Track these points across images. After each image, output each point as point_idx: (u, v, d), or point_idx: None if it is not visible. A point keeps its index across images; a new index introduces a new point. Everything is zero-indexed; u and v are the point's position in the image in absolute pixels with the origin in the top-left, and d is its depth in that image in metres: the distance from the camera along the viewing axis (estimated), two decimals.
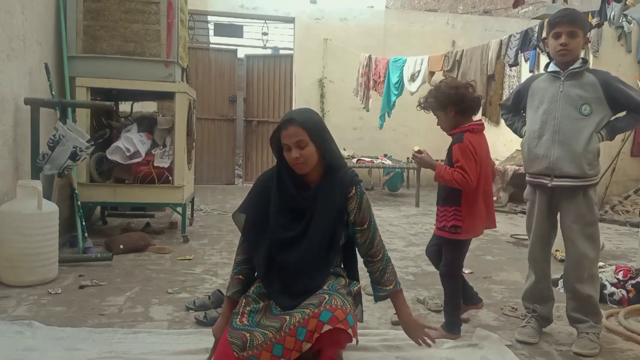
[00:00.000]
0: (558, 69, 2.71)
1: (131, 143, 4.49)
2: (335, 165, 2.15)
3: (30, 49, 3.97)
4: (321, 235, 2.09)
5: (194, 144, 5.25)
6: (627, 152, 7.10)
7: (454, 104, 2.63)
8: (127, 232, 4.57)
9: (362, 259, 2.25)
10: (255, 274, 2.22)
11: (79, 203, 4.11)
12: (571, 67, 2.66)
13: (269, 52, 10.63)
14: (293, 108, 9.75)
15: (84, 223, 4.07)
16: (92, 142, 3.85)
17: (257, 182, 2.25)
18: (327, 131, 2.19)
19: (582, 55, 2.77)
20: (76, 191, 4.15)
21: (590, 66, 6.37)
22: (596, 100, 2.63)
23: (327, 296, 1.97)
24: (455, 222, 2.61)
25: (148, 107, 6.29)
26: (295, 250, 2.08)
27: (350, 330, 1.88)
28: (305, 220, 2.11)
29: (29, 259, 3.20)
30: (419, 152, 2.67)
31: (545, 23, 4.71)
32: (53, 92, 4.07)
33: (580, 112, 2.64)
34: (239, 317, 2.04)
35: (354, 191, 2.14)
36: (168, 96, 4.86)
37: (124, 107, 5.60)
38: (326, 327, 1.85)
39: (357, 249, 2.26)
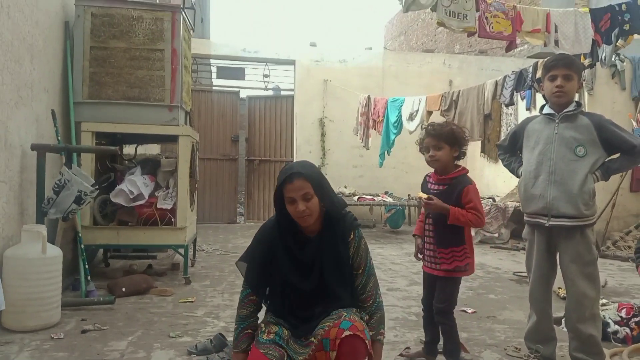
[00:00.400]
0: (553, 112, 2.80)
1: (134, 186, 4.56)
2: (335, 213, 2.17)
3: (37, 96, 4.09)
4: (337, 284, 2.14)
5: (196, 185, 5.32)
6: (627, 187, 7.15)
7: (460, 145, 2.74)
8: (129, 274, 4.58)
9: None
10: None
11: (82, 246, 4.15)
12: (566, 110, 2.75)
13: (270, 93, 10.85)
14: (295, 147, 9.89)
15: (86, 266, 4.09)
16: (97, 186, 3.91)
17: (260, 233, 2.25)
18: (326, 181, 2.21)
19: (576, 98, 2.86)
20: (80, 234, 4.19)
21: (586, 104, 6.50)
22: (590, 142, 2.70)
23: (344, 313, 2.06)
24: (467, 260, 2.70)
25: (152, 149, 6.40)
26: (318, 303, 2.12)
27: (367, 342, 1.99)
28: (316, 272, 2.13)
29: (32, 303, 3.21)
30: (430, 199, 2.69)
31: (541, 66, 4.84)
32: (59, 138, 4.17)
33: (575, 153, 2.71)
34: (265, 334, 2.10)
35: (352, 236, 2.18)
36: (171, 139, 4.96)
37: (129, 149, 5.71)
38: (346, 333, 1.96)
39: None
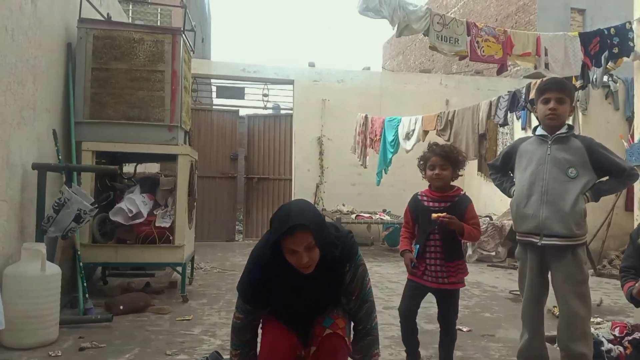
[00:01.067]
0: (546, 133, 2.87)
1: (133, 204, 4.61)
2: (331, 254, 2.08)
3: (39, 116, 4.17)
4: (334, 297, 2.20)
5: (195, 203, 5.38)
6: (622, 206, 7.20)
7: (460, 169, 2.97)
8: (127, 292, 4.61)
9: None
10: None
11: (81, 264, 4.19)
12: (558, 132, 2.82)
13: (269, 111, 10.97)
14: (293, 165, 9.97)
15: (85, 284, 4.12)
16: (96, 205, 3.97)
17: (256, 257, 2.18)
18: (323, 219, 2.13)
19: (570, 120, 2.95)
20: (79, 252, 4.24)
21: (580, 124, 6.58)
22: (582, 164, 2.77)
23: (330, 308, 2.18)
24: (466, 272, 2.97)
25: (151, 167, 6.47)
26: (310, 310, 2.19)
27: (347, 339, 2.11)
28: (311, 297, 2.14)
29: (30, 321, 3.24)
30: (446, 216, 2.81)
31: (534, 88, 4.93)
32: (60, 157, 4.24)
33: (567, 174, 2.77)
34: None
35: (347, 268, 2.14)
36: (171, 158, 5.03)
37: (128, 168, 5.77)
38: (327, 331, 2.06)
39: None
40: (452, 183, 3.00)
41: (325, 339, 2.06)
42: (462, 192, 2.96)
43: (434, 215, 2.80)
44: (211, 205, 9.73)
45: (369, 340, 2.18)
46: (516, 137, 8.12)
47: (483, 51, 4.58)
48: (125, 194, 4.80)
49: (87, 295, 4.10)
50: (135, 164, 5.66)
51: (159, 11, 13.25)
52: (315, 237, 1.95)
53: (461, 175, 3.03)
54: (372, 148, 8.83)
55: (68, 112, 4.71)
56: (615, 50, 4.86)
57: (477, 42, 4.57)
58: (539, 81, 5.75)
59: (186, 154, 4.87)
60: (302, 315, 2.19)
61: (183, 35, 5.02)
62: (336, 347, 2.08)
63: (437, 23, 4.45)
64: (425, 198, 2.99)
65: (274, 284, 2.13)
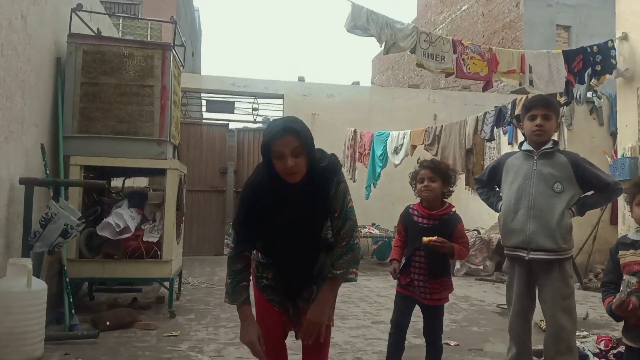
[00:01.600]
0: (532, 148, 2.93)
1: (121, 219, 4.59)
2: (317, 167, 2.18)
3: (27, 131, 4.16)
4: (319, 216, 2.23)
5: (183, 217, 5.36)
6: (607, 220, 7.28)
7: (450, 184, 2.95)
8: (114, 307, 4.57)
9: None
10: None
11: (67, 279, 4.15)
12: (544, 147, 2.88)
13: (259, 125, 11.00)
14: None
15: (71, 300, 4.09)
16: (83, 220, 3.95)
17: (245, 188, 2.27)
18: (310, 135, 2.22)
19: (555, 136, 3.02)
20: (65, 268, 4.20)
21: (566, 139, 6.70)
22: (567, 179, 2.83)
23: (314, 287, 2.24)
24: (451, 288, 2.98)
25: (140, 181, 6.45)
26: (299, 232, 2.20)
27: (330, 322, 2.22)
28: (298, 206, 2.17)
29: (15, 337, 3.21)
30: (439, 241, 2.80)
31: (520, 103, 5.02)
32: (47, 172, 4.22)
33: (552, 189, 2.83)
34: (265, 279, 2.29)
35: (335, 181, 2.21)
36: (159, 172, 5.03)
37: (117, 182, 5.75)
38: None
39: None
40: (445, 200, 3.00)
41: None
42: (452, 210, 2.94)
43: (425, 239, 2.80)
44: (200, 219, 9.69)
45: (350, 257, 2.20)
46: (503, 152, 8.23)
47: (469, 68, 4.66)
48: (113, 209, 4.78)
49: (73, 311, 4.06)
50: (123, 178, 5.64)
51: (149, 25, 13.31)
52: (302, 143, 2.07)
53: (451, 193, 3.03)
54: (361, 162, 8.88)
55: (56, 127, 4.70)
56: (598, 67, 4.97)
57: (463, 59, 4.65)
58: (524, 97, 5.86)
59: (175, 169, 4.87)
60: (291, 247, 2.23)
61: (173, 50, 5.05)
62: (326, 339, 2.20)
63: (424, 41, 4.54)
64: (415, 212, 3.00)
65: (264, 206, 2.19)
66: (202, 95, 10.71)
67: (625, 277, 2.16)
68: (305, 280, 2.27)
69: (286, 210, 2.18)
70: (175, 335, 4.03)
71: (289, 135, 2.06)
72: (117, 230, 4.59)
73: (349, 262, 2.20)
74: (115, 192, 5.28)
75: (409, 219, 3.01)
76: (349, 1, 4.22)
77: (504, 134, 8.07)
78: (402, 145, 7.86)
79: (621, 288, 2.14)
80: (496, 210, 3.13)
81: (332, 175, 2.21)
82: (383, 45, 4.49)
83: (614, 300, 2.15)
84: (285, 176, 2.10)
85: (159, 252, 4.69)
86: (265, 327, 2.20)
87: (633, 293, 2.08)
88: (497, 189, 3.17)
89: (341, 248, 2.20)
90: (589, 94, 6.90)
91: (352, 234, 2.23)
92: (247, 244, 2.25)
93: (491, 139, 6.36)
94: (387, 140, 8.25)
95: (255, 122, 10.68)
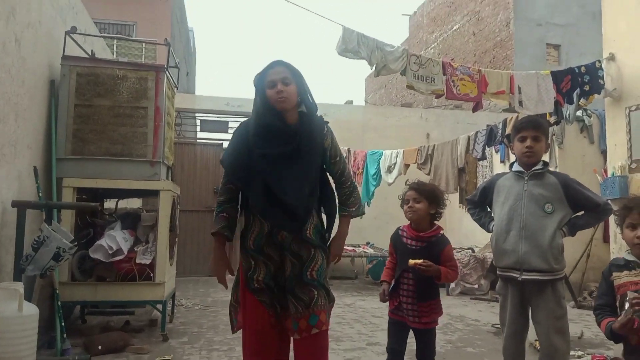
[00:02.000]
0: (522, 169, 2.97)
1: (114, 241, 4.57)
2: (310, 110, 2.49)
3: (20, 153, 4.15)
4: (313, 155, 2.42)
5: (176, 239, 5.34)
6: (600, 238, 7.31)
7: (438, 205, 2.93)
8: (106, 331, 4.53)
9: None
10: (238, 213, 2.50)
11: (59, 303, 4.11)
12: (534, 168, 2.92)
13: None
14: None
15: (63, 324, 4.04)
16: (76, 243, 3.93)
17: (236, 130, 2.50)
18: (306, 81, 2.49)
19: (546, 157, 3.05)
20: (57, 291, 4.17)
21: (557, 157, 6.76)
22: (557, 199, 2.86)
23: (315, 293, 2.35)
24: (441, 311, 2.92)
25: (133, 202, 6.43)
26: (290, 164, 2.36)
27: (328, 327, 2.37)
28: (293, 142, 2.37)
29: None
30: (426, 264, 2.77)
31: (510, 123, 5.08)
32: (40, 194, 4.21)
33: (544, 210, 2.86)
34: (255, 282, 2.36)
35: (326, 130, 2.55)
36: (153, 193, 5.02)
37: (110, 203, 5.74)
38: (314, 331, 2.30)
39: (331, 176, 2.61)
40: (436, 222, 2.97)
41: (313, 337, 2.27)
42: (440, 233, 2.93)
43: (411, 261, 2.79)
44: (193, 240, 9.65)
45: (356, 195, 2.57)
46: (495, 170, 8.29)
47: (459, 90, 4.73)
48: (106, 230, 4.76)
49: (64, 335, 4.01)
50: (117, 199, 5.63)
51: (143, 46, 13.41)
52: (291, 73, 2.38)
53: (441, 215, 3.01)
54: (355, 181, 8.91)
55: (50, 149, 4.70)
56: (587, 87, 5.05)
57: (453, 81, 4.72)
58: (514, 117, 5.94)
59: (168, 190, 4.87)
60: (283, 190, 2.34)
61: (167, 72, 5.09)
62: (323, 347, 2.33)
63: (414, 63, 4.61)
64: (404, 234, 3.00)
65: (256, 143, 2.37)
66: (197, 114, 10.75)
67: (629, 293, 2.14)
68: (299, 248, 2.38)
69: (280, 148, 2.37)
70: (168, 359, 3.99)
71: (279, 66, 2.39)
72: (110, 252, 4.56)
73: (357, 199, 2.58)
74: (108, 214, 5.26)
75: (398, 241, 3.01)
76: (340, 25, 4.31)
77: (496, 152, 8.14)
78: (395, 164, 7.90)
79: (626, 307, 2.12)
80: (488, 231, 3.15)
81: (324, 123, 2.54)
82: (374, 67, 4.55)
83: (619, 319, 2.13)
84: (276, 102, 2.35)
85: (151, 274, 4.66)
86: (256, 327, 2.34)
87: (638, 312, 2.05)
88: (489, 210, 3.20)
89: (347, 188, 2.54)
90: (579, 113, 6.98)
91: (351, 175, 2.62)
92: (234, 176, 2.43)
93: (483, 158, 6.41)
94: (380, 159, 8.30)
95: None
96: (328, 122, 2.60)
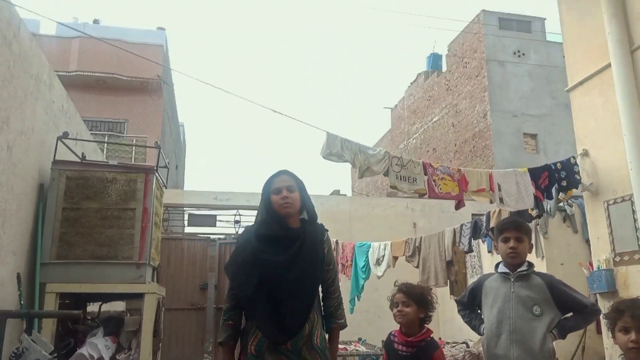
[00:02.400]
0: (507, 270, 3.00)
1: (95, 349, 4.40)
2: (311, 217, 2.64)
3: (4, 260, 4.10)
4: (313, 261, 2.46)
5: (160, 344, 5.17)
6: (593, 329, 7.19)
7: (427, 308, 2.93)
8: None
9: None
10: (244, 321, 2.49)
11: None
12: (519, 270, 2.96)
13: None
14: None
15: None
16: (55, 354, 3.78)
17: (240, 237, 2.67)
18: (307, 192, 2.63)
19: (531, 253, 3.10)
20: None
21: (543, 247, 6.80)
22: (545, 301, 2.88)
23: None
24: None
25: (117, 305, 6.27)
26: (291, 270, 2.38)
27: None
28: (295, 247, 2.43)
29: None
30: None
31: (495, 226, 5.17)
32: (22, 302, 4.11)
33: (532, 312, 2.86)
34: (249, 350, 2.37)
35: (326, 237, 2.68)
36: (138, 296, 4.91)
37: (93, 307, 5.58)
38: None
39: (320, 284, 2.65)
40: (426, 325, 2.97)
41: None
42: (430, 336, 2.91)
43: None
44: (178, 339, 9.31)
45: (342, 306, 2.65)
46: (484, 260, 8.30)
47: (440, 189, 4.87)
48: (88, 337, 4.59)
49: None
50: (100, 303, 5.49)
51: (134, 142, 13.73)
52: (295, 182, 2.57)
53: (430, 318, 3.00)
54: (344, 274, 8.82)
55: (35, 253, 4.64)
56: (564, 183, 5.23)
57: (434, 180, 4.88)
58: (497, 210, 6.05)
59: (153, 292, 4.77)
60: (289, 287, 2.36)
61: (156, 173, 5.17)
62: None
63: (396, 164, 4.78)
64: (395, 339, 2.99)
65: (260, 248, 2.45)
66: (185, 209, 10.81)
67: None
68: (309, 353, 2.42)
69: (282, 255, 2.42)
70: None
71: (284, 175, 2.61)
72: None
73: (343, 310, 2.66)
74: (90, 319, 5.10)
75: (390, 346, 2.99)
76: (324, 131, 4.51)
77: (483, 242, 8.20)
78: (383, 256, 7.90)
79: None
80: (479, 334, 3.13)
81: (325, 231, 2.67)
82: (357, 170, 4.71)
83: None
84: (280, 207, 2.49)
85: None
86: None
87: None
88: (479, 311, 3.19)
89: (336, 298, 2.59)
90: (561, 203, 7.15)
91: (339, 286, 2.69)
92: (237, 282, 2.48)
93: (469, 250, 6.46)
94: (368, 251, 8.30)
95: (237, 234, 10.70)
96: (328, 230, 2.72)
